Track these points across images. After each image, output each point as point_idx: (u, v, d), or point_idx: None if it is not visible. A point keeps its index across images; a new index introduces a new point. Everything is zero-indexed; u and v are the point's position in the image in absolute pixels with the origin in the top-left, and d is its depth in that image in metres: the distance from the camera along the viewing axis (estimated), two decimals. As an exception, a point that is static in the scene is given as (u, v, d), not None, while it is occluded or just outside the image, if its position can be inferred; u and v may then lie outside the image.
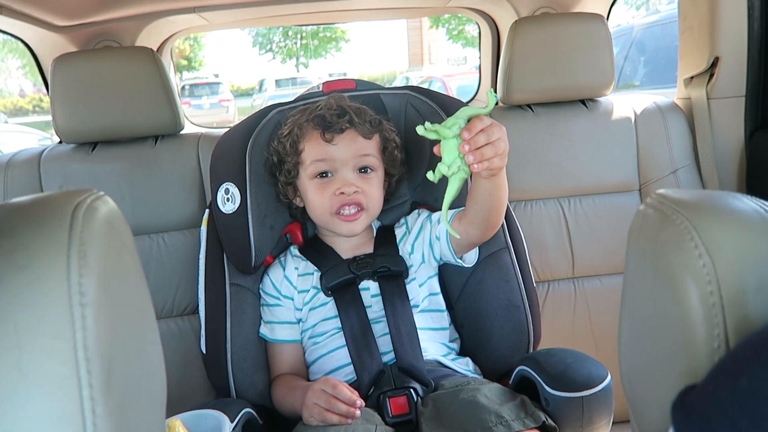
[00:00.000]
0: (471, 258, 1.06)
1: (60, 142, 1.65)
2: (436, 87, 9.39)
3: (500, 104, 1.52)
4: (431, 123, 0.86)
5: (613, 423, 0.91)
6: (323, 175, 1.03)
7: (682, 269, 0.41)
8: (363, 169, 1.04)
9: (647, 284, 0.47)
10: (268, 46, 23.65)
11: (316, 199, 1.03)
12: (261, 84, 17.02)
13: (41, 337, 0.32)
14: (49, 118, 1.42)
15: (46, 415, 0.31)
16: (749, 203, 0.44)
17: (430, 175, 0.88)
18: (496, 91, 1.52)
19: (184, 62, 23.27)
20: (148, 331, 0.43)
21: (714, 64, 1.39)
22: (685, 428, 0.37)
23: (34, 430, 0.31)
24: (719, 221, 0.42)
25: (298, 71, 22.94)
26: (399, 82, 13.78)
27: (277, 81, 16.29)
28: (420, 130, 0.86)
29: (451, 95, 1.21)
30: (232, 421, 0.82)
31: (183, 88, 14.44)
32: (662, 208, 0.45)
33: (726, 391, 0.35)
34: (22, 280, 0.33)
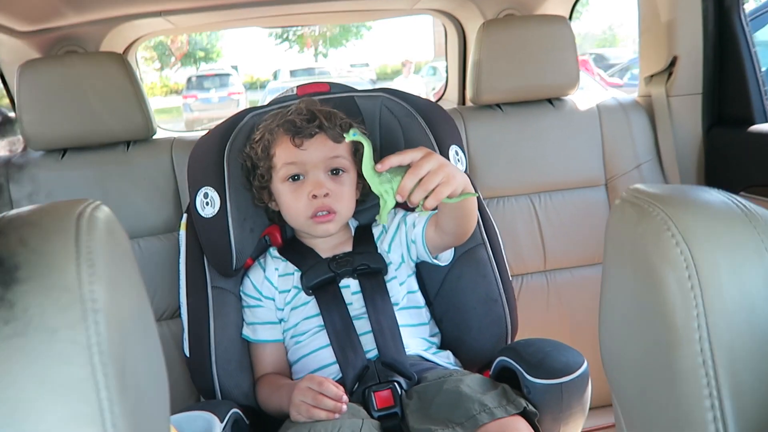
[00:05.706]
0: (446, 257, 1.09)
1: (24, 148, 1.62)
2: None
3: (470, 104, 1.56)
4: (362, 133, 0.85)
5: (589, 408, 0.95)
6: (295, 178, 1.04)
7: (661, 258, 0.44)
8: (334, 171, 1.06)
9: (626, 275, 0.50)
10: (285, 35, 22.28)
11: (291, 203, 1.04)
12: (275, 75, 15.71)
13: (60, 343, 0.33)
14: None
15: (69, 419, 0.32)
16: (717, 195, 0.48)
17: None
18: (464, 91, 1.56)
19: (201, 53, 21.81)
20: (151, 334, 0.44)
21: (672, 63, 1.46)
22: None
23: None
24: (693, 212, 0.45)
25: (316, 61, 21.75)
26: (425, 72, 12.68)
27: (292, 71, 14.83)
28: (348, 136, 0.84)
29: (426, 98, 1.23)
30: (221, 422, 0.83)
31: (189, 79, 13.23)
32: (638, 202, 0.48)
33: None
34: (40, 289, 0.34)
